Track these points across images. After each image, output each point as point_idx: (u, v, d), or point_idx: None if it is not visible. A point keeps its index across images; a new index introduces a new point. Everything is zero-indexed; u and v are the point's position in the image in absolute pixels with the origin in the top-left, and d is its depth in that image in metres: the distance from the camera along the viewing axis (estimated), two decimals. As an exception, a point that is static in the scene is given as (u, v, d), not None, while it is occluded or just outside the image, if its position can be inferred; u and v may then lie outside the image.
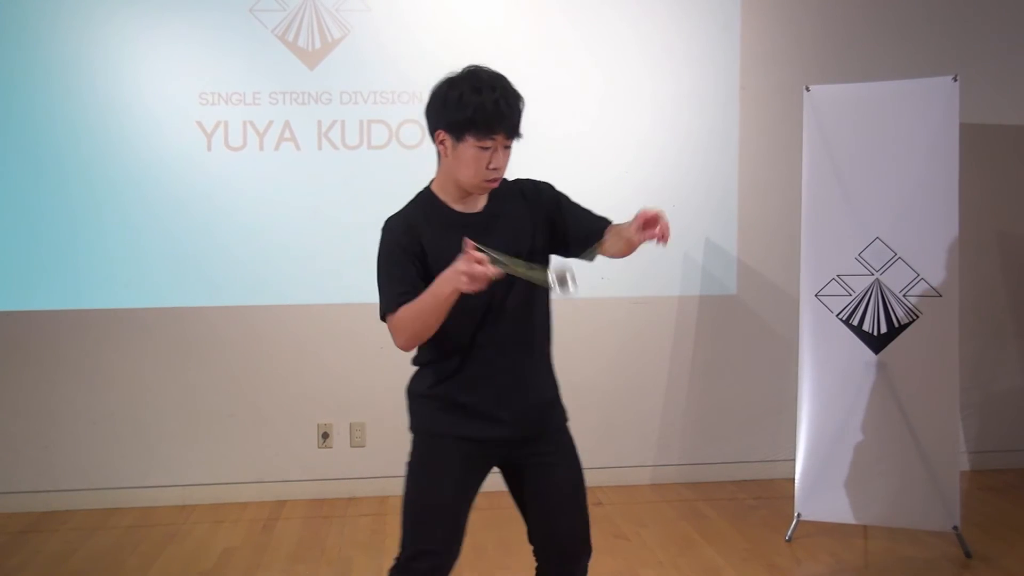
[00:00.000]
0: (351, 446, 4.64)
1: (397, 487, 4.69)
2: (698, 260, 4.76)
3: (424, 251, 2.22)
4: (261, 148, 4.48)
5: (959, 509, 3.82)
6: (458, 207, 2.28)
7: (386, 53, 4.52)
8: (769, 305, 4.82)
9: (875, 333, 3.92)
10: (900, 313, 3.89)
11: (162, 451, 4.55)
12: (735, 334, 4.84)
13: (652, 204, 2.11)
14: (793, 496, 4.02)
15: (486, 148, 2.16)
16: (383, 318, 2.25)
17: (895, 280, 3.89)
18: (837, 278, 3.97)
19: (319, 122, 4.51)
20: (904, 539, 3.95)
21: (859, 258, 3.94)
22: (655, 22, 4.65)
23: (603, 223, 2.31)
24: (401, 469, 4.86)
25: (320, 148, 4.52)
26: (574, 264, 2.10)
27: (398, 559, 2.29)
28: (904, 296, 3.88)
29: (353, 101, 4.52)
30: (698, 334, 4.81)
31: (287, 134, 4.49)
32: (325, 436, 4.63)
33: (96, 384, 4.49)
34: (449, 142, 2.20)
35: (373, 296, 4.76)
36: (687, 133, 4.71)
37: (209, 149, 4.45)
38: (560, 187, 2.43)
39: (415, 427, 2.38)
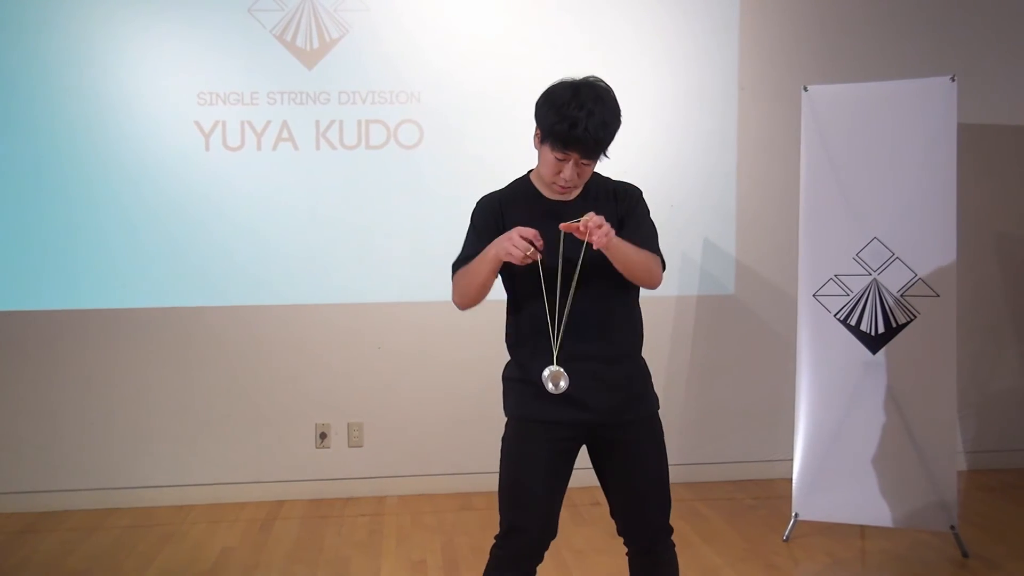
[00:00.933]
0: (349, 446, 4.64)
1: (394, 487, 4.74)
2: (696, 260, 4.76)
3: (505, 226, 2.32)
4: (259, 148, 4.48)
5: (957, 509, 3.82)
6: (548, 194, 2.40)
7: (384, 53, 4.52)
8: (767, 305, 4.83)
9: (873, 333, 3.92)
10: (898, 313, 3.89)
11: (160, 451, 4.55)
12: (733, 334, 4.84)
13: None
14: (791, 496, 4.02)
15: (560, 159, 2.26)
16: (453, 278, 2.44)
17: (893, 280, 3.89)
18: (835, 278, 3.97)
19: (317, 122, 4.50)
20: (901, 539, 3.95)
21: (857, 258, 3.94)
22: (654, 22, 4.65)
23: (647, 245, 2.36)
24: (397, 469, 4.90)
25: (318, 148, 4.51)
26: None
27: (497, 535, 2.42)
28: (902, 296, 3.88)
29: (351, 101, 4.52)
30: (696, 334, 4.81)
31: (285, 134, 4.49)
32: (323, 436, 4.63)
33: (94, 384, 4.49)
34: (538, 139, 2.32)
35: (371, 296, 4.81)
36: (685, 133, 4.71)
37: (207, 149, 4.45)
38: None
39: (508, 411, 2.47)
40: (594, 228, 2.10)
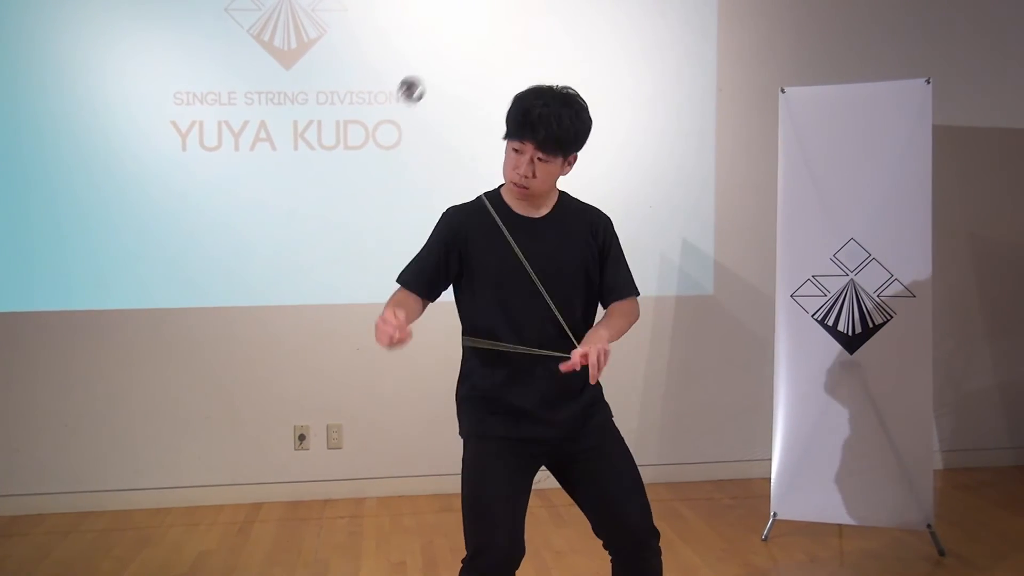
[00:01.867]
0: (328, 448, 4.62)
1: (373, 489, 4.72)
2: (675, 260, 4.77)
3: (467, 244, 2.36)
4: (237, 148, 4.45)
5: (933, 507, 3.85)
6: (518, 208, 2.39)
7: (363, 53, 4.50)
8: (745, 305, 4.85)
9: (850, 333, 3.95)
10: (874, 313, 3.92)
11: (136, 454, 4.50)
12: (712, 334, 4.86)
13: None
14: (769, 495, 4.04)
15: (516, 151, 2.28)
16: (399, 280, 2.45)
17: (869, 281, 3.92)
18: (812, 278, 4.00)
19: (295, 122, 4.48)
20: (879, 537, 3.98)
21: (834, 259, 3.97)
22: (633, 24, 4.66)
23: (621, 296, 2.43)
24: (377, 471, 4.88)
25: (296, 148, 4.49)
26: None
27: (464, 559, 2.36)
28: (878, 296, 3.91)
29: (330, 101, 4.50)
30: (675, 334, 4.83)
31: (263, 134, 4.46)
32: (302, 438, 4.60)
33: (69, 386, 4.44)
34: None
35: (350, 296, 4.79)
36: (664, 134, 4.73)
37: (184, 149, 4.42)
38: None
39: (463, 431, 2.45)
40: (596, 364, 2.15)
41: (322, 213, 4.52)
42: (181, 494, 4.52)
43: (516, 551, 2.31)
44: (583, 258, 2.39)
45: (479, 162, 4.55)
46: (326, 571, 3.73)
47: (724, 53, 4.76)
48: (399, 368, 4.63)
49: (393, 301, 2.34)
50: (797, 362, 4.01)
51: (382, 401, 4.63)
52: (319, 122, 4.50)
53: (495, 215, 2.35)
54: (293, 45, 4.46)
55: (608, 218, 2.48)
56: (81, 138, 4.35)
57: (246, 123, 4.45)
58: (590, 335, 2.26)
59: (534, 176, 2.28)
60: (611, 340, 2.24)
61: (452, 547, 3.95)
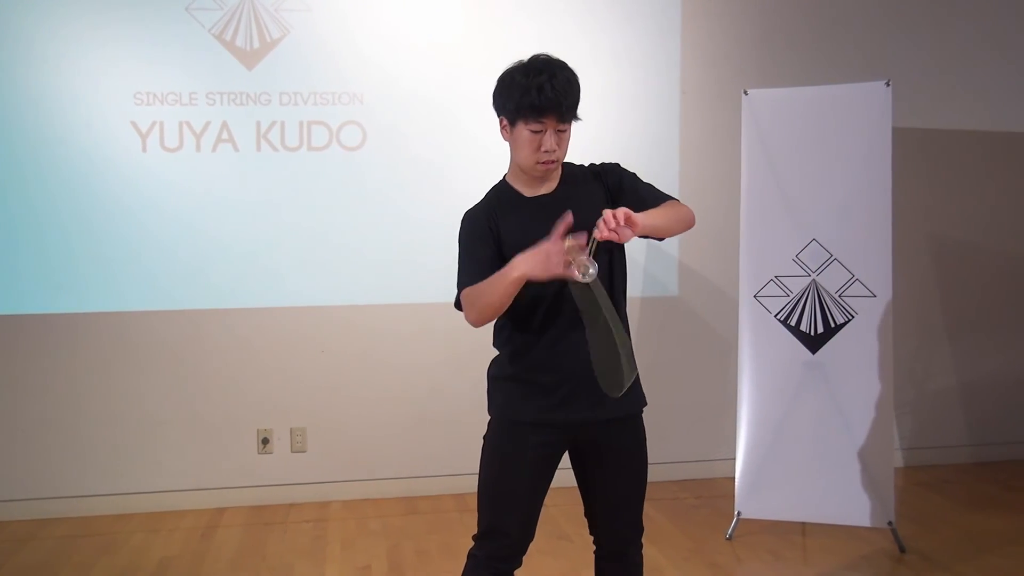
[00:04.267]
0: (292, 452, 4.58)
1: (338, 492, 4.69)
2: (640, 261, 4.79)
3: (500, 235, 2.30)
4: (198, 149, 4.40)
5: (894, 505, 3.90)
6: (528, 192, 2.36)
7: (326, 54, 4.47)
8: (710, 306, 4.88)
9: (812, 333, 3.99)
10: (836, 313, 3.96)
11: (97, 459, 4.44)
12: (677, 335, 4.88)
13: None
14: (734, 495, 4.07)
15: (536, 131, 2.23)
16: (457, 302, 2.32)
17: (831, 281, 3.96)
18: (775, 279, 4.03)
19: (258, 123, 4.44)
20: (841, 535, 4.02)
21: (796, 259, 4.00)
22: (598, 25, 4.67)
23: (659, 201, 2.35)
24: (341, 474, 4.84)
25: (259, 149, 4.45)
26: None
27: (474, 536, 2.38)
28: (840, 297, 3.95)
29: (293, 102, 4.47)
30: (640, 335, 4.84)
31: (225, 135, 4.42)
32: (265, 442, 4.56)
33: (28, 391, 4.37)
34: (508, 127, 2.29)
35: (314, 299, 4.75)
36: (629, 135, 4.74)
37: (144, 150, 4.36)
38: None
39: (493, 411, 2.41)
40: (615, 225, 2.07)
41: (285, 215, 4.48)
42: (143, 499, 4.46)
43: (527, 538, 2.37)
44: (603, 208, 2.28)
45: (445, 163, 4.54)
46: (291, 575, 3.70)
47: (688, 55, 4.79)
48: (364, 370, 4.60)
49: (481, 284, 2.21)
50: (761, 362, 4.05)
51: (347, 404, 4.60)
52: (282, 123, 4.46)
53: (512, 204, 2.33)
54: (256, 45, 4.42)
55: (611, 164, 2.46)
56: (37, 138, 4.28)
57: (208, 124, 4.40)
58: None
59: (557, 147, 2.28)
60: (642, 222, 2.14)
61: (418, 550, 3.93)
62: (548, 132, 2.24)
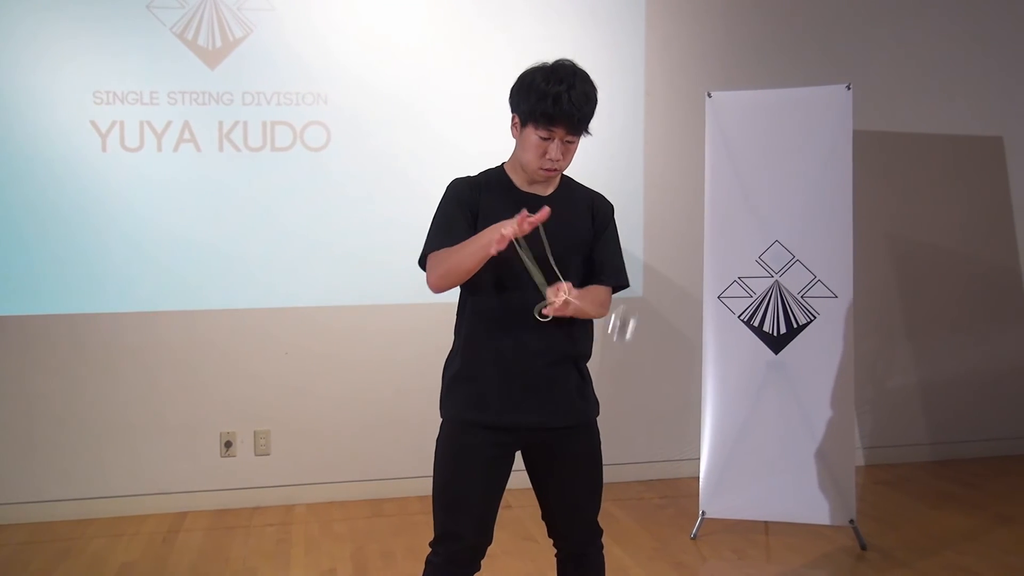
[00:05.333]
0: (256, 455, 4.54)
1: (303, 495, 4.65)
2: (605, 263, 4.80)
3: (479, 212, 2.31)
4: (159, 149, 4.35)
5: (855, 503, 3.95)
6: (524, 187, 2.37)
7: (290, 53, 4.44)
8: (675, 307, 4.91)
9: (775, 333, 4.02)
10: (798, 314, 4.00)
11: (56, 463, 4.36)
12: (642, 336, 4.87)
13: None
14: (698, 494, 4.09)
15: (545, 139, 2.26)
16: (422, 260, 2.34)
17: (793, 282, 4.00)
18: (739, 280, 4.06)
19: (220, 123, 4.40)
20: (804, 533, 4.06)
21: (759, 260, 4.04)
22: (563, 27, 4.68)
23: (605, 279, 2.41)
24: (306, 477, 4.80)
25: (222, 150, 4.41)
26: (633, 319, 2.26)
27: (431, 543, 2.37)
28: (802, 297, 3.99)
29: (256, 102, 4.43)
30: (605, 335, 4.85)
31: (187, 135, 4.37)
32: (228, 445, 4.51)
33: (-17, 395, 4.29)
34: (518, 125, 2.31)
35: (277, 300, 4.70)
36: (594, 137, 4.72)
37: (104, 150, 4.30)
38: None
39: (445, 413, 2.40)
40: (559, 307, 2.15)
41: (248, 216, 4.44)
42: (103, 504, 4.40)
43: (484, 540, 2.36)
44: (583, 238, 2.40)
45: (410, 163, 4.53)
46: (254, 580, 3.67)
47: (652, 57, 4.82)
48: (328, 372, 4.57)
49: (451, 248, 2.25)
50: (724, 362, 4.08)
51: (311, 406, 4.57)
52: (245, 123, 4.42)
53: (501, 189, 2.35)
54: (218, 44, 4.37)
55: (611, 205, 2.50)
56: (-5, 138, 4.20)
57: (169, 123, 4.35)
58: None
59: (563, 157, 2.30)
60: (575, 309, 2.20)
61: (383, 552, 3.91)
62: (556, 141, 2.27)
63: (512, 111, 2.33)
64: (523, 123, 2.28)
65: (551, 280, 2.22)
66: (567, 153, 2.31)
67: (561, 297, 2.14)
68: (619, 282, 2.44)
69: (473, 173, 2.43)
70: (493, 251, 2.12)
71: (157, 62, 4.32)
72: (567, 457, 2.39)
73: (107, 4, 4.25)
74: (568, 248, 2.33)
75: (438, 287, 2.31)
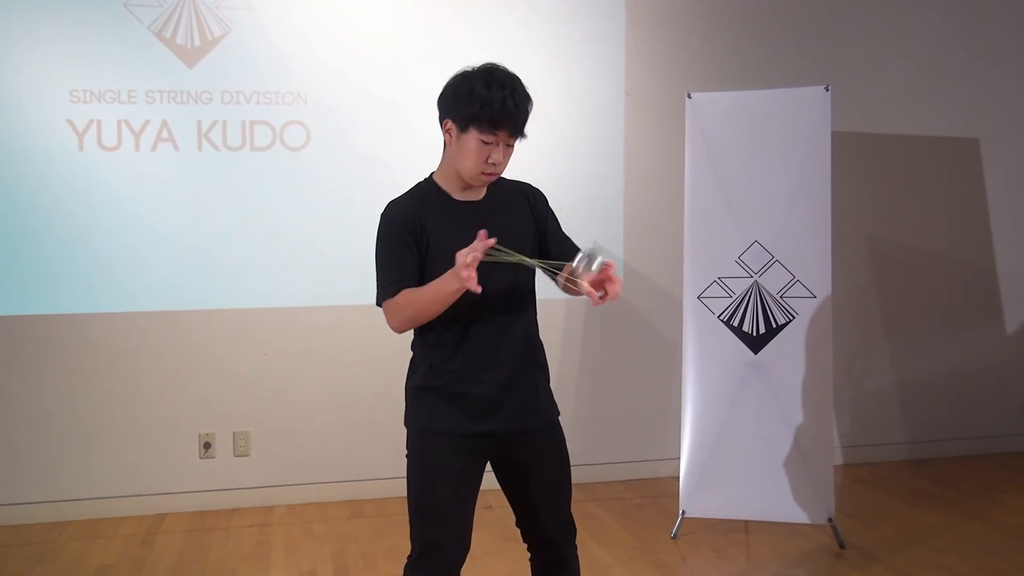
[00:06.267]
0: (235, 456, 4.51)
1: (282, 497, 4.63)
2: (585, 263, 4.81)
3: (428, 237, 2.28)
4: (137, 148, 4.31)
5: (834, 502, 3.97)
6: (458, 196, 2.35)
7: (270, 52, 4.42)
8: (655, 307, 4.92)
9: (754, 333, 4.04)
10: (777, 314, 4.02)
11: (32, 465, 4.32)
12: (622, 336, 4.91)
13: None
14: (678, 494, 4.10)
15: (487, 143, 2.24)
16: (379, 302, 2.31)
17: (773, 282, 4.02)
18: (718, 280, 4.08)
19: (199, 122, 4.37)
20: (783, 532, 4.08)
21: (739, 261, 4.06)
22: (544, 27, 4.69)
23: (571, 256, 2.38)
24: (286, 478, 4.78)
25: (200, 149, 4.38)
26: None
27: (410, 557, 2.34)
28: (781, 297, 4.01)
29: (235, 101, 4.40)
30: (585, 336, 4.87)
31: (165, 134, 4.33)
32: (207, 446, 4.49)
33: (-42, 396, 4.24)
34: (455, 132, 2.27)
35: (257, 301, 4.67)
36: (575, 138, 4.77)
37: (81, 149, 4.26)
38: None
39: (410, 423, 2.39)
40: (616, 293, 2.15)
41: (227, 216, 4.42)
42: (80, 506, 4.36)
43: (463, 550, 2.35)
44: (530, 233, 2.41)
45: (390, 162, 4.51)
46: (233, 582, 3.65)
47: (632, 58, 4.83)
48: (307, 373, 4.55)
49: (415, 295, 2.22)
50: (704, 362, 4.09)
51: (290, 407, 4.55)
52: (224, 122, 4.40)
53: (440, 205, 2.33)
54: (197, 43, 4.35)
55: (541, 192, 2.50)
56: (-30, 136, 4.16)
57: (147, 122, 4.32)
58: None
59: (503, 160, 2.29)
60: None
61: (363, 553, 3.90)
62: (499, 145, 2.25)
63: (444, 117, 2.28)
64: (462, 129, 2.24)
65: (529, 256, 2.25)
66: (507, 157, 2.30)
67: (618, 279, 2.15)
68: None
69: (404, 192, 2.39)
70: (475, 288, 2.06)
71: (135, 60, 4.29)
72: (540, 459, 2.40)
73: (85, 2, 4.21)
74: (519, 243, 2.32)
75: (403, 331, 2.31)
